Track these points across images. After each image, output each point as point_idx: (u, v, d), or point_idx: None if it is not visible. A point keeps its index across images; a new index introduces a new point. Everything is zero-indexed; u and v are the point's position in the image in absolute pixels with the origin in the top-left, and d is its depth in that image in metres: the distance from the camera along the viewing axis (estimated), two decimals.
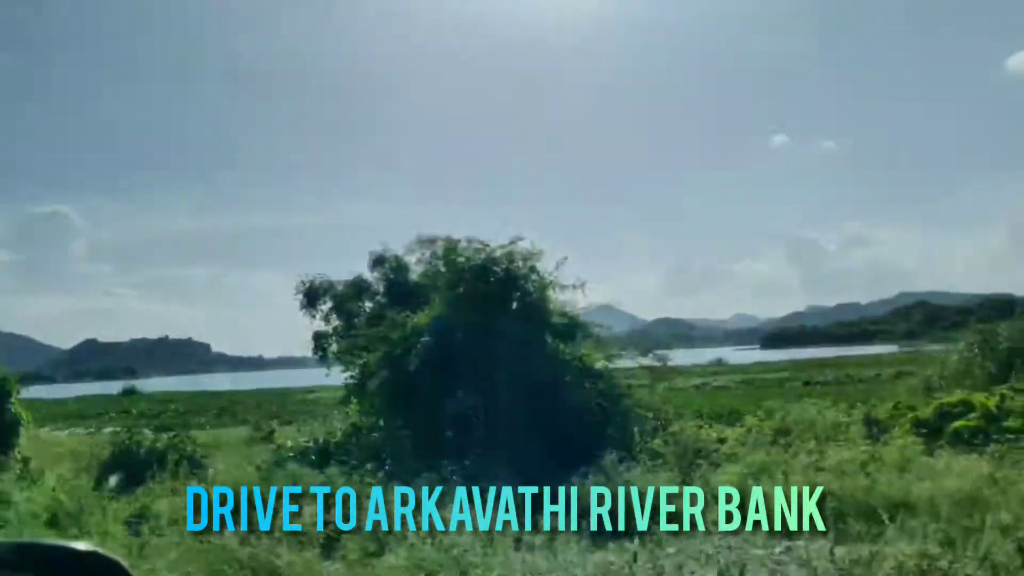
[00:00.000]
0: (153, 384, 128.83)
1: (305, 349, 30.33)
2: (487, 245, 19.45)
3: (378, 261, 29.96)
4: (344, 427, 18.47)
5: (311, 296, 30.03)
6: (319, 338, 30.02)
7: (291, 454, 16.00)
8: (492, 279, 19.22)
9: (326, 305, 30.11)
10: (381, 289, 29.65)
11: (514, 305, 19.26)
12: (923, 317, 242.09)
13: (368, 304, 29.66)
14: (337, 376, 22.68)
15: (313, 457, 15.62)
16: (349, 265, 46.50)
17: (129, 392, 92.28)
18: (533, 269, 19.24)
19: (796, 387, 48.09)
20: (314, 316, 30.13)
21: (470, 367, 18.74)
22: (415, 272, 30.20)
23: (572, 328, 19.26)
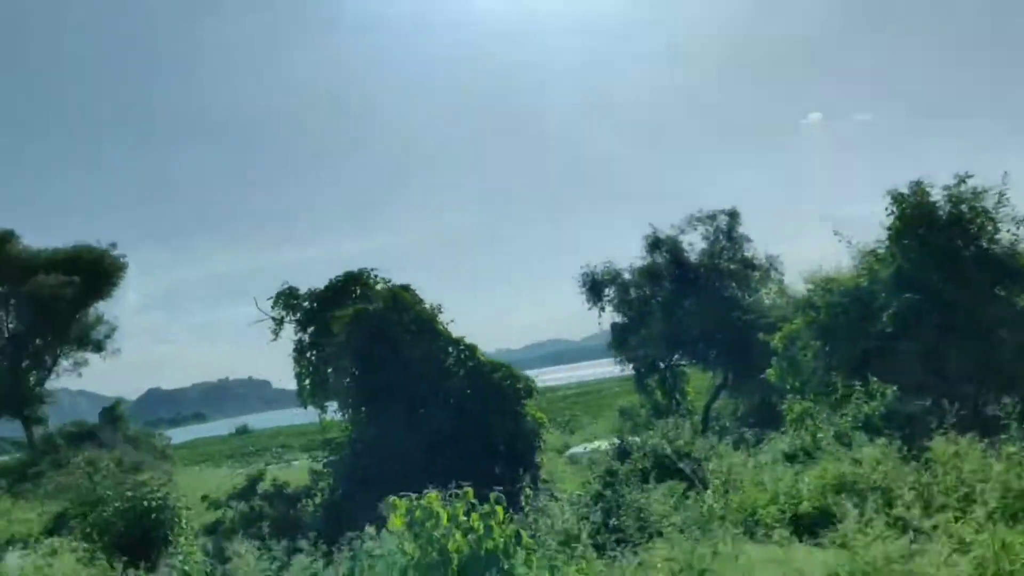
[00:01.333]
0: (232, 424, 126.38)
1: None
2: (928, 187, 17.45)
3: (655, 244, 28.24)
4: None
5: (595, 287, 28.22)
6: (617, 330, 28.17)
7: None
8: (935, 227, 17.27)
9: (611, 295, 28.30)
10: (665, 274, 27.88)
11: (967, 254, 17.20)
12: None
13: (654, 289, 27.82)
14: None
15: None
16: None
17: (242, 431, 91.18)
18: (984, 211, 17.20)
19: None
20: (602, 309, 28.32)
21: (930, 326, 16.78)
22: (690, 252, 28.50)
23: None
